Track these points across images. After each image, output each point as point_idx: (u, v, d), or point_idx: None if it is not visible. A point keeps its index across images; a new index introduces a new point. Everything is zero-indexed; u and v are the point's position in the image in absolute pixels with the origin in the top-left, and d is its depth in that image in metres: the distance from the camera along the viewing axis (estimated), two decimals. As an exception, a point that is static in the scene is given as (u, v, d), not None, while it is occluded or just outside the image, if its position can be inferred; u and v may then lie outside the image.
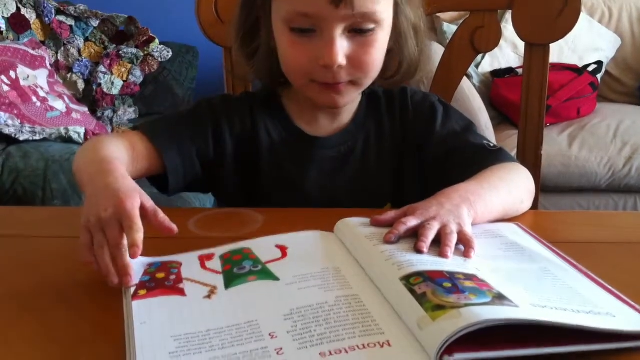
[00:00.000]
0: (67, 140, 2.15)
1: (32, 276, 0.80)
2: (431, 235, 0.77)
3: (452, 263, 0.72)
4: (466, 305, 0.60)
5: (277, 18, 0.99)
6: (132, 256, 0.73)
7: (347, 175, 1.10)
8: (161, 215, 0.79)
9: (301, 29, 0.96)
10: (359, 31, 0.96)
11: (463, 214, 0.82)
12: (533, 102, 1.29)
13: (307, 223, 0.88)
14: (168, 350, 0.61)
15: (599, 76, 3.00)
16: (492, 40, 1.26)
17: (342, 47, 0.95)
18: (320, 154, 1.09)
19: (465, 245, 0.77)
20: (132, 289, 0.73)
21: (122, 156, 0.92)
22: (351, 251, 0.80)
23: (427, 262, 0.72)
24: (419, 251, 0.75)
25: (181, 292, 0.72)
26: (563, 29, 1.22)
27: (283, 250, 0.81)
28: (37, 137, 2.11)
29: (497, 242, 0.83)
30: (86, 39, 2.92)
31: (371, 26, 0.96)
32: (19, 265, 0.84)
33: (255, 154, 1.09)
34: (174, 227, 0.79)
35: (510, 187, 0.95)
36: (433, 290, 0.64)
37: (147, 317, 0.67)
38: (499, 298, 0.62)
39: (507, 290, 0.65)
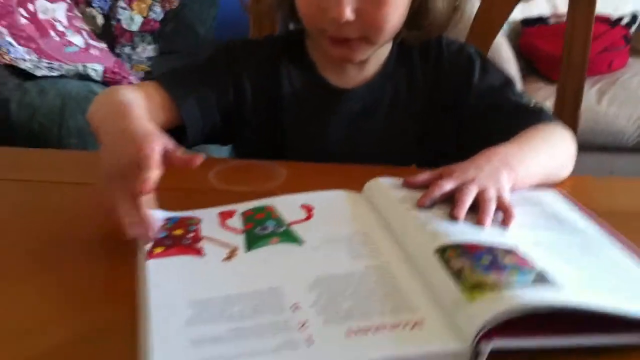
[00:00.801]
0: (85, 77, 2.11)
1: (45, 225, 0.77)
2: (468, 200, 0.72)
3: (490, 233, 0.67)
4: (508, 285, 0.56)
5: None
6: (142, 190, 0.67)
7: (372, 131, 1.04)
8: (181, 151, 0.74)
9: None
10: None
11: (502, 179, 0.77)
12: (575, 57, 1.22)
13: (332, 179, 0.84)
14: (184, 317, 0.57)
15: (632, 29, 2.89)
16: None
17: (350, 0, 0.89)
18: (345, 107, 1.04)
19: (504, 213, 0.72)
20: (148, 247, 0.69)
21: (140, 103, 0.85)
22: (381, 214, 0.75)
23: (464, 232, 0.67)
24: (454, 218, 0.70)
25: (199, 252, 0.68)
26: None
27: (308, 210, 0.76)
28: (54, 73, 2.06)
29: (537, 210, 0.78)
30: (106, -27, 2.84)
31: None
32: (32, 213, 0.81)
33: (276, 104, 1.04)
34: (198, 156, 0.72)
35: (553, 151, 0.90)
36: (470, 266, 0.59)
37: (163, 279, 0.63)
38: (542, 278, 0.58)
39: (550, 268, 0.60)
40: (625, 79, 2.62)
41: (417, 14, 0.98)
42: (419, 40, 1.03)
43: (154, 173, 0.68)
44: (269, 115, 1.04)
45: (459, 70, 1.04)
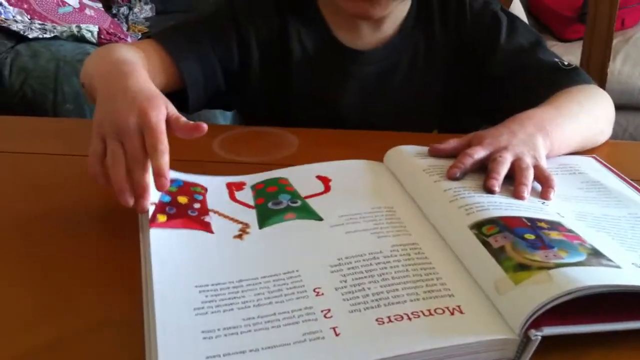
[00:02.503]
0: (80, 39, 2.03)
1: (36, 200, 0.72)
2: (503, 170, 0.66)
3: (529, 206, 0.61)
4: (557, 265, 0.49)
5: None
6: (160, 188, 0.61)
7: (390, 95, 0.97)
8: (183, 119, 0.65)
9: None
10: None
11: (539, 145, 0.70)
12: (602, 14, 1.15)
13: (348, 147, 0.77)
14: (193, 304, 0.51)
15: (646, -16, 2.80)
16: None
17: None
18: (359, 69, 0.96)
19: (542, 183, 0.66)
20: (150, 212, 0.62)
21: (140, 62, 0.78)
22: (405, 187, 0.68)
23: (501, 205, 0.60)
24: (489, 190, 0.63)
25: (207, 228, 0.62)
26: None
27: (325, 182, 0.70)
28: (47, 35, 1.99)
29: (577, 179, 0.72)
30: None
31: None
32: (22, 187, 0.74)
33: (285, 66, 0.96)
34: (203, 125, 0.64)
35: (591, 116, 0.83)
36: (513, 244, 0.53)
37: (168, 255, 0.57)
38: (595, 255, 0.51)
39: (600, 243, 0.54)
40: (639, 37, 2.54)
41: None
42: None
43: (165, 160, 0.61)
44: (277, 77, 0.97)
45: (483, 29, 0.96)
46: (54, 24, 2.07)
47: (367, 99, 0.96)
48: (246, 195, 0.68)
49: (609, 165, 0.76)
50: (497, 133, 0.71)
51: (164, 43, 0.88)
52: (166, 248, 0.58)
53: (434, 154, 0.73)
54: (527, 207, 0.61)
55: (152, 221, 0.61)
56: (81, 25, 2.10)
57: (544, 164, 0.69)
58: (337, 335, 0.47)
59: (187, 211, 0.64)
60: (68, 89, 1.78)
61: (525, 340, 0.46)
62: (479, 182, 0.65)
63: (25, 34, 1.97)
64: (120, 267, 0.59)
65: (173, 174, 0.68)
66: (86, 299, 0.55)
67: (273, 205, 0.66)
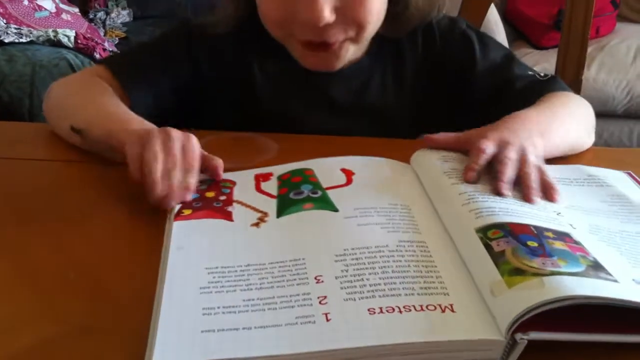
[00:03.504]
0: (56, 44, 2.02)
1: (13, 206, 0.70)
2: (511, 172, 0.66)
3: (541, 215, 0.61)
4: (552, 273, 0.50)
5: None
6: (180, 199, 0.66)
7: (361, 116, 0.94)
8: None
9: None
10: None
11: (539, 145, 0.71)
12: (577, 22, 1.16)
13: (328, 152, 0.77)
14: (199, 284, 0.54)
15: (620, -7, 2.84)
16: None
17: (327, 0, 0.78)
18: (329, 91, 0.93)
19: (547, 189, 0.66)
20: (177, 208, 0.65)
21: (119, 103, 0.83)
22: (425, 187, 0.70)
23: (512, 211, 0.61)
24: (500, 194, 0.64)
25: (228, 216, 0.65)
26: None
27: (348, 175, 0.71)
28: (23, 40, 1.98)
29: (602, 192, 0.72)
30: None
31: None
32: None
33: (251, 95, 0.94)
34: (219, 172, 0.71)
35: (574, 118, 0.84)
36: (513, 249, 0.53)
37: (186, 242, 0.60)
38: (595, 268, 0.52)
39: (606, 258, 0.54)
40: (613, 45, 2.58)
41: (396, 1, 0.87)
42: (400, 34, 0.92)
43: (196, 178, 0.68)
44: (243, 99, 0.94)
45: (454, 50, 0.94)
46: (30, 28, 2.05)
47: (338, 120, 0.94)
48: (272, 185, 0.71)
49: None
50: (497, 128, 0.72)
51: (114, 72, 0.90)
52: (186, 236, 0.61)
53: (430, 143, 0.74)
54: (539, 216, 0.61)
55: (178, 215, 0.64)
56: (58, 29, 2.08)
57: (544, 165, 0.70)
58: (327, 320, 0.49)
59: (212, 203, 0.67)
60: (44, 94, 1.77)
61: (512, 342, 0.46)
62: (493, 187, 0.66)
63: (1, 38, 1.95)
64: (103, 273, 0.59)
65: (204, 176, 0.71)
66: (69, 306, 0.54)
67: (294, 195, 0.67)
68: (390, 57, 0.94)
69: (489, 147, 0.69)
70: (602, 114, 2.47)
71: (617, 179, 0.75)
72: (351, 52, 0.88)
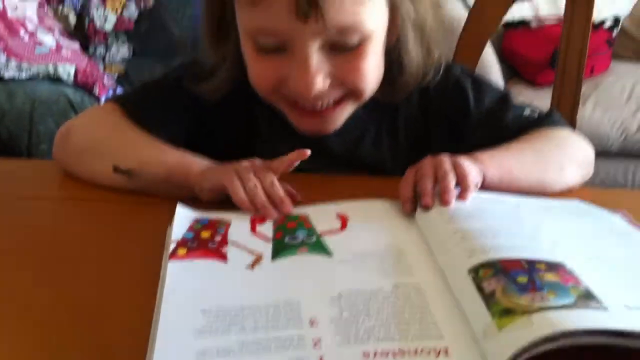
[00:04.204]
0: (56, 79, 2.03)
1: (13, 243, 0.71)
2: (427, 183, 0.72)
3: (535, 247, 0.62)
4: (540, 309, 0.50)
5: (241, 26, 0.82)
6: (286, 210, 0.72)
7: (357, 167, 0.93)
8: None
9: (267, 47, 0.79)
10: (341, 47, 0.78)
11: (460, 157, 0.74)
12: (571, 62, 1.18)
13: (325, 193, 0.77)
14: (194, 326, 0.53)
15: (614, 33, 2.87)
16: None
17: (320, 67, 0.78)
18: (325, 141, 0.91)
19: (460, 180, 0.71)
20: (172, 247, 0.65)
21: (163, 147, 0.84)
22: (421, 228, 0.70)
23: (504, 246, 0.61)
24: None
25: (223, 257, 0.65)
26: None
27: (343, 220, 0.72)
28: (23, 75, 1.99)
29: (600, 223, 0.73)
30: (79, -30, 2.76)
31: (356, 39, 0.78)
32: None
33: (248, 141, 0.94)
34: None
35: (539, 148, 0.85)
36: (504, 288, 0.53)
37: (181, 283, 0.60)
38: (585, 297, 0.52)
39: (600, 285, 0.54)
40: (608, 84, 2.60)
41: (390, 67, 0.87)
42: (396, 100, 0.92)
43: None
44: (240, 145, 0.94)
45: (449, 101, 0.94)
46: (30, 64, 2.07)
47: (334, 173, 0.92)
48: (267, 229, 0.71)
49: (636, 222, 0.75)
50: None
51: (128, 111, 0.90)
52: (181, 277, 0.61)
53: (405, 210, 0.73)
54: (533, 247, 0.61)
55: (173, 254, 0.64)
56: (58, 64, 2.10)
57: (465, 164, 0.73)
58: None
59: (207, 244, 0.67)
60: (43, 129, 1.78)
61: None
62: (486, 222, 0.66)
63: (1, 73, 1.96)
64: (97, 313, 0.59)
65: (202, 215, 0.73)
66: (62, 346, 0.54)
67: (289, 239, 0.68)
68: (385, 110, 0.94)
69: (427, 174, 0.73)
70: (597, 153, 2.43)
71: (615, 218, 0.76)
72: (348, 113, 0.87)
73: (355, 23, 0.76)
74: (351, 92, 0.83)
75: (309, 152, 0.76)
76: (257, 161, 0.77)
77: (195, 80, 0.90)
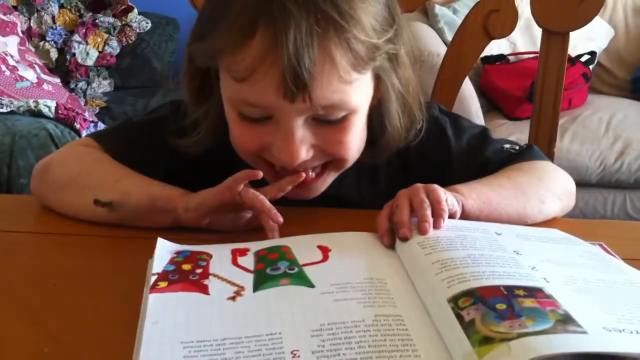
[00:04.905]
0: (37, 114, 2.03)
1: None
2: (404, 213, 0.72)
3: (514, 272, 0.62)
4: (519, 335, 0.50)
5: (225, 93, 0.81)
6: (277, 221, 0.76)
7: (340, 207, 0.92)
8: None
9: (251, 117, 0.78)
10: (326, 120, 0.78)
11: (434, 186, 0.75)
12: (548, 95, 1.19)
13: (306, 224, 0.77)
14: (175, 358, 0.53)
15: (590, 67, 2.92)
16: (508, 25, 1.16)
17: (305, 138, 0.78)
18: (305, 188, 0.88)
19: (433, 205, 0.72)
20: (152, 280, 0.64)
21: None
22: (401, 259, 0.70)
23: (483, 274, 0.61)
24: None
25: (204, 290, 0.64)
26: (584, 16, 1.13)
27: (325, 251, 0.71)
28: (3, 110, 1.99)
29: (579, 249, 0.74)
30: (61, 6, 2.78)
31: (341, 115, 0.78)
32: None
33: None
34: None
35: (519, 181, 0.86)
36: (482, 316, 0.54)
37: (162, 316, 0.59)
38: (564, 322, 0.52)
39: (579, 308, 0.55)
40: (586, 117, 2.64)
41: (372, 129, 0.86)
42: (378, 161, 0.91)
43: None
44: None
45: (429, 141, 0.92)
46: (11, 99, 2.06)
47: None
48: (248, 260, 0.70)
49: (612, 252, 0.76)
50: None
51: (106, 146, 0.90)
52: (162, 310, 0.60)
53: (384, 243, 0.73)
54: (511, 273, 0.62)
55: (153, 287, 0.63)
56: (39, 100, 2.10)
57: (439, 190, 0.74)
58: None
59: (188, 276, 0.66)
60: (23, 163, 1.77)
61: None
62: (466, 251, 0.67)
63: (-18, 108, 1.96)
64: (78, 347, 0.58)
65: (183, 247, 0.72)
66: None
67: (271, 270, 0.67)
68: (366, 155, 0.90)
69: (403, 205, 0.74)
70: (576, 183, 2.45)
71: (589, 247, 0.77)
72: (331, 180, 0.87)
73: (342, 101, 0.76)
74: (334, 160, 0.83)
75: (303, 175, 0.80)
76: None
77: (177, 132, 0.89)
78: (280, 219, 0.75)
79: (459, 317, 0.55)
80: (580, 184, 2.51)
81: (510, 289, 0.58)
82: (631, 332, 0.53)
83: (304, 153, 0.78)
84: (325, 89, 0.74)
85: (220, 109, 0.83)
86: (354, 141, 0.82)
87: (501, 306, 0.55)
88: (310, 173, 0.83)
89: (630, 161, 2.46)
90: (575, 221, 0.94)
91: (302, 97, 0.73)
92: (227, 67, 0.76)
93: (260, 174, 0.78)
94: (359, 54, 0.74)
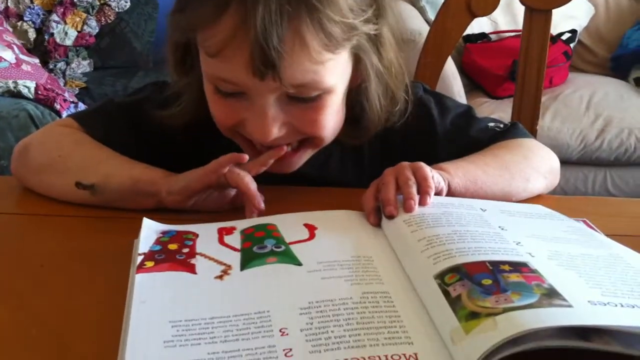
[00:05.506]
0: (16, 95, 2.01)
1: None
2: (390, 191, 0.73)
3: (499, 248, 0.62)
4: (504, 310, 0.50)
5: (202, 67, 0.81)
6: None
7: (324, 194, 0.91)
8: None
9: (227, 91, 0.78)
10: (299, 98, 0.78)
11: (421, 163, 0.75)
12: (531, 73, 1.20)
13: (293, 203, 0.77)
14: (163, 338, 0.53)
15: (571, 45, 2.93)
16: (491, 3, 1.16)
17: (278, 116, 0.78)
18: (290, 174, 0.89)
19: (419, 182, 0.72)
20: (139, 260, 0.64)
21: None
22: (388, 237, 0.70)
23: (469, 249, 0.62)
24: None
25: (191, 269, 0.64)
26: (567, -6, 1.13)
27: (311, 230, 0.72)
28: (-18, 91, 1.96)
29: (563, 225, 0.74)
30: (38, -15, 2.73)
31: (315, 94, 0.77)
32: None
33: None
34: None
35: (504, 159, 0.86)
36: (469, 292, 0.54)
37: (149, 295, 0.59)
38: (549, 296, 0.53)
39: (563, 282, 0.55)
40: (567, 95, 2.65)
41: (352, 109, 0.86)
42: (358, 141, 0.90)
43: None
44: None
45: (414, 121, 0.90)
46: (-10, 80, 2.04)
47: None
48: (235, 239, 0.70)
49: (595, 228, 0.77)
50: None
51: (86, 127, 0.90)
52: (149, 289, 0.60)
53: (371, 222, 0.74)
54: (497, 249, 0.62)
55: (140, 268, 0.63)
56: (18, 80, 2.07)
57: (425, 168, 0.74)
58: None
59: (175, 256, 0.66)
60: (3, 145, 1.75)
61: None
62: (452, 228, 0.67)
63: (-41, 89, 1.94)
64: (65, 329, 0.58)
65: (169, 227, 0.72)
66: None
67: (258, 249, 0.67)
68: (348, 133, 0.90)
69: (390, 182, 0.74)
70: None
71: (573, 222, 0.78)
72: (307, 156, 0.86)
73: (314, 81, 0.76)
74: (310, 138, 0.83)
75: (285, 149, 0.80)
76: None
77: (159, 105, 0.88)
78: (262, 206, 0.76)
79: (446, 293, 0.55)
80: (562, 162, 2.48)
81: (495, 264, 0.58)
82: (616, 305, 0.53)
83: (277, 130, 0.78)
84: (295, 69, 0.73)
85: (202, 83, 0.83)
86: (329, 120, 0.81)
87: (487, 281, 0.55)
88: (287, 147, 0.82)
89: (611, 139, 2.47)
90: (559, 198, 0.95)
91: (272, 76, 0.72)
92: (202, 41, 0.76)
93: (246, 158, 0.77)
94: (333, 35, 0.74)
